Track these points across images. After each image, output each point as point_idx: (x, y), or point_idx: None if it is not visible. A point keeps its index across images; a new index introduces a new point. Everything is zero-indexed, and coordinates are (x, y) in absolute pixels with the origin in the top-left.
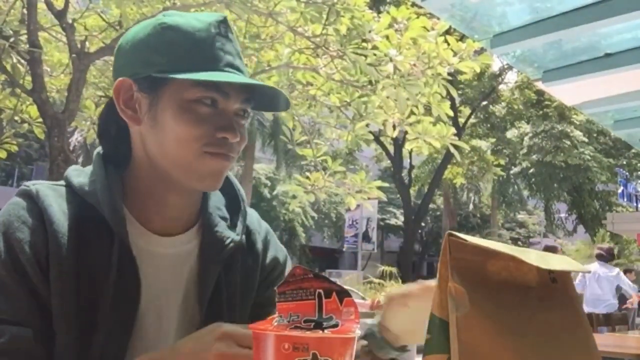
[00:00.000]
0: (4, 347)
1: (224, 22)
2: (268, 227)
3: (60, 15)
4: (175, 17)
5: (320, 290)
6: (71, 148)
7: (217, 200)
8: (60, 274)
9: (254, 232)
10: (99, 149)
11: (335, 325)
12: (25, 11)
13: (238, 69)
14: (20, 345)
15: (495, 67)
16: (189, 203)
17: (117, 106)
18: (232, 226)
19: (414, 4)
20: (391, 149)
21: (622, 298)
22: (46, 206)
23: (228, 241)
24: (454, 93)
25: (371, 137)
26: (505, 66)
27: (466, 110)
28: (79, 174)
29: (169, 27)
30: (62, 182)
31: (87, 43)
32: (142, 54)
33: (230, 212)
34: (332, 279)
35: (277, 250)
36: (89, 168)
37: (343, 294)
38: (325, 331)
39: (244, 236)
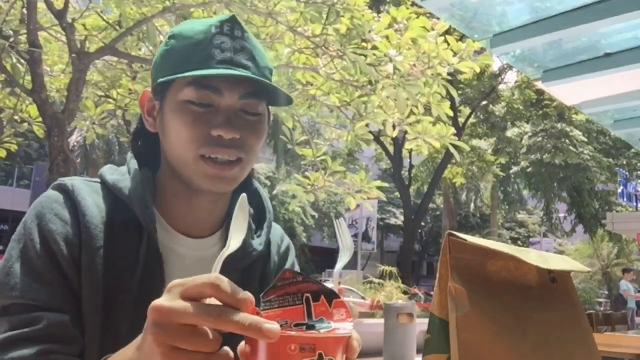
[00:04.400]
0: (42, 334)
1: (229, 21)
2: (290, 243)
3: (60, 15)
4: (183, 25)
5: (308, 295)
6: (71, 148)
7: None
8: (91, 265)
9: (274, 243)
10: (131, 152)
11: (329, 327)
12: (25, 11)
13: (239, 65)
14: (58, 331)
15: (495, 67)
16: (215, 207)
17: (143, 116)
18: (257, 236)
19: (414, 4)
20: (391, 149)
21: (620, 298)
22: (80, 199)
23: (250, 249)
24: (454, 93)
25: (371, 137)
26: (505, 66)
27: (466, 110)
28: (113, 172)
29: (173, 35)
30: (97, 179)
31: (87, 43)
32: (156, 65)
33: (256, 223)
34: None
35: (293, 267)
36: (124, 168)
37: (332, 296)
38: (322, 332)
39: (265, 247)
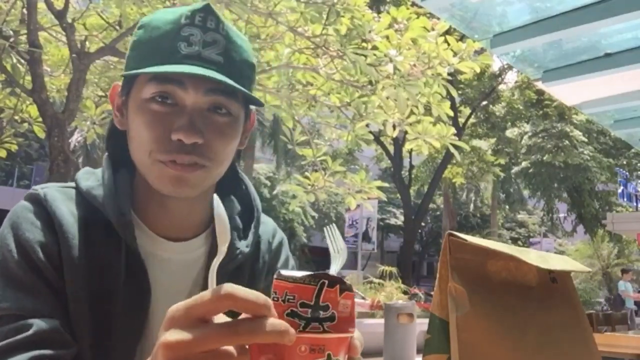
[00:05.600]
0: (32, 340)
1: (201, 10)
2: (283, 238)
3: (60, 15)
4: (155, 13)
5: (325, 280)
6: (71, 148)
7: (230, 208)
8: (73, 274)
9: (264, 241)
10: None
11: (332, 318)
12: (25, 11)
13: (206, 60)
14: (48, 336)
15: (495, 67)
16: (191, 209)
17: (113, 111)
18: (244, 236)
19: (414, 4)
20: (391, 149)
21: (618, 299)
22: (55, 209)
23: (236, 252)
24: (454, 93)
25: (371, 137)
26: (505, 66)
27: (466, 110)
28: (88, 177)
29: (141, 25)
30: (72, 184)
31: (87, 43)
32: (126, 57)
33: (243, 220)
34: None
35: (286, 264)
36: (100, 171)
37: (345, 288)
38: (324, 324)
39: (253, 247)
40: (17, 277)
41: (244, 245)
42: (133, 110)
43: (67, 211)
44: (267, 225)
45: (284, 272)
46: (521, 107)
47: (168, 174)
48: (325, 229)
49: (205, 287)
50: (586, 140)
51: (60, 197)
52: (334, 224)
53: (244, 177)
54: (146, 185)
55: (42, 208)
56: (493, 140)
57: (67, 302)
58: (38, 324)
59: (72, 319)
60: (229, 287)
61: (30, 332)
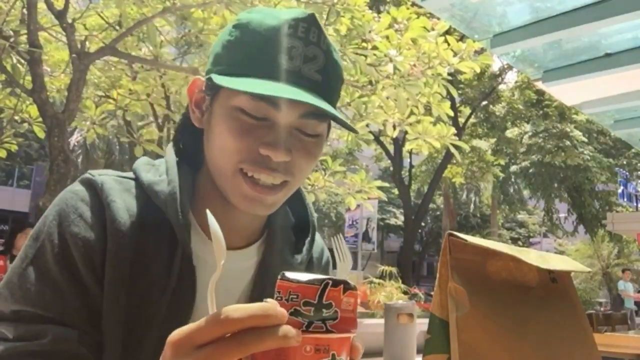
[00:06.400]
0: (46, 349)
1: (305, 19)
2: (329, 256)
3: (60, 15)
4: (254, 13)
5: (329, 281)
6: (71, 148)
7: (284, 220)
8: (115, 278)
9: (314, 261)
10: (172, 144)
11: (335, 317)
12: (25, 11)
13: (306, 77)
14: (63, 347)
15: (495, 67)
16: (254, 219)
17: (189, 106)
18: (296, 251)
19: (414, 4)
20: (391, 149)
21: (618, 299)
22: (109, 202)
23: (289, 267)
24: (454, 93)
25: (371, 137)
26: (505, 66)
27: (466, 110)
28: (149, 169)
29: (239, 24)
30: (131, 174)
31: (87, 43)
32: (214, 53)
33: (296, 235)
34: None
35: None
36: (161, 163)
37: (349, 288)
38: (327, 323)
39: (306, 265)
40: (52, 274)
41: (297, 261)
42: (219, 114)
43: (122, 206)
44: (317, 244)
45: (288, 274)
46: (521, 107)
47: (246, 193)
48: (332, 239)
49: (252, 298)
50: (586, 140)
51: (117, 188)
52: (341, 235)
53: (302, 190)
54: (212, 187)
55: (96, 198)
56: (493, 140)
57: (102, 306)
58: (55, 332)
59: (106, 321)
60: (230, 311)
61: (45, 340)
